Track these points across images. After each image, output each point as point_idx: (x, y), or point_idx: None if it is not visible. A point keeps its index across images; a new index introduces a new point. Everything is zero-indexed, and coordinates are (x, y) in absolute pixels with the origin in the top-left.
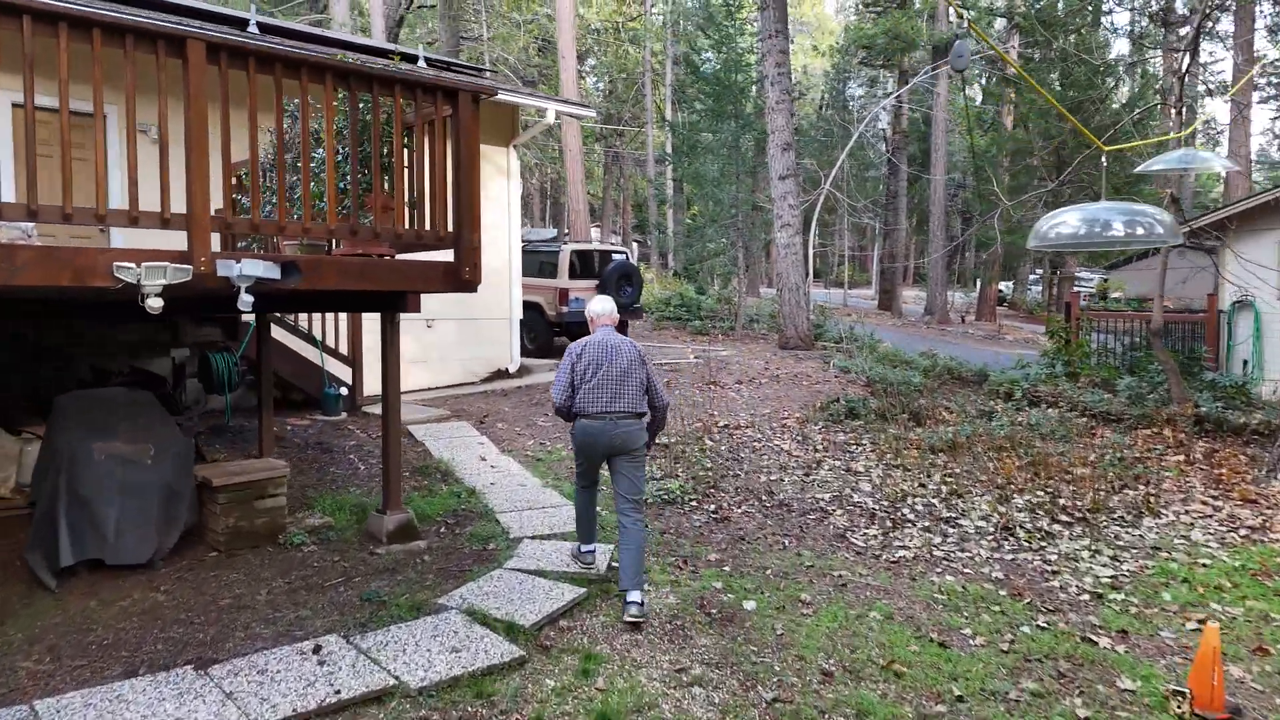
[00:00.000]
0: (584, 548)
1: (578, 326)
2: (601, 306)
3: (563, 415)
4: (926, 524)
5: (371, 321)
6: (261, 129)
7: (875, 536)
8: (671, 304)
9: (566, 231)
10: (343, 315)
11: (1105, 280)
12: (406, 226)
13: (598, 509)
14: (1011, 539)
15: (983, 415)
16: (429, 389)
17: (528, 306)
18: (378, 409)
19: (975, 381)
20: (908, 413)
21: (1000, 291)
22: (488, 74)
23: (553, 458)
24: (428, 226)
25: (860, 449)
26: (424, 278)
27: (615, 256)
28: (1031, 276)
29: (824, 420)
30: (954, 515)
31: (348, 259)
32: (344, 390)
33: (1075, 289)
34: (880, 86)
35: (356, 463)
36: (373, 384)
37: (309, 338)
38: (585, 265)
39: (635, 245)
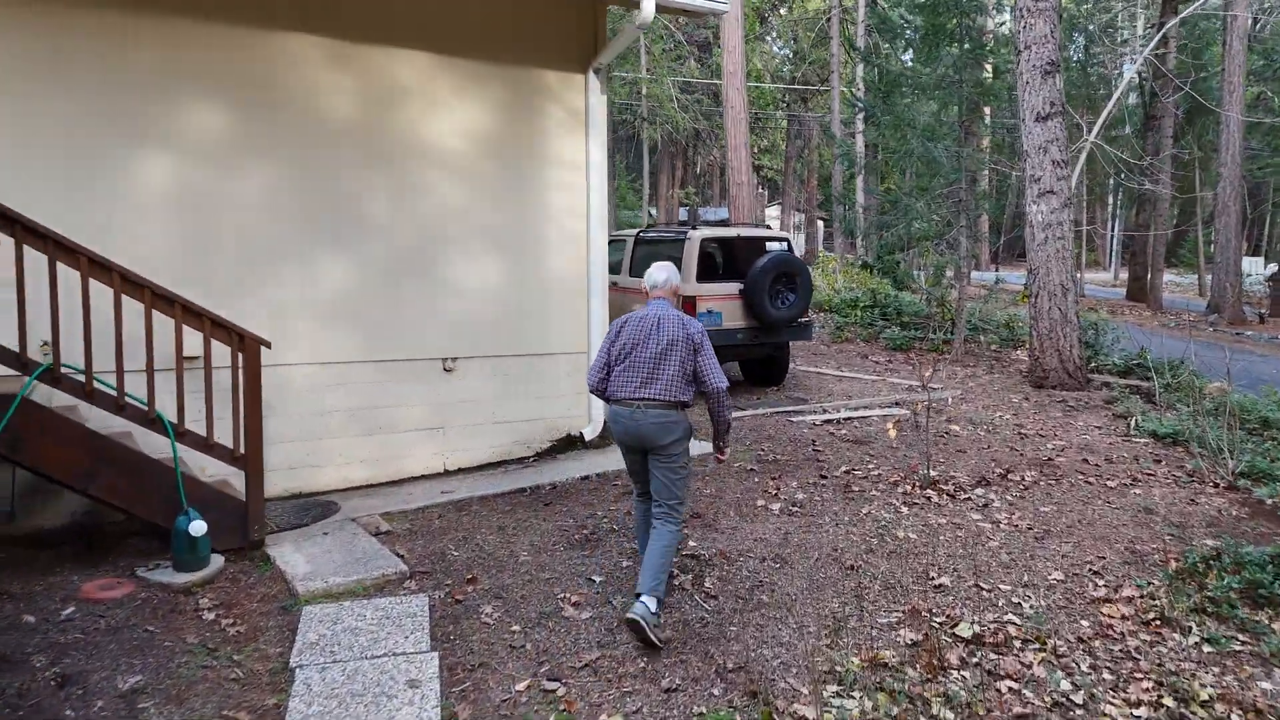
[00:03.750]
0: None
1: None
2: (660, 275)
3: (599, 398)
4: None
5: (281, 376)
6: None
7: None
8: (859, 305)
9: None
10: (221, 359)
11: None
12: None
13: None
14: None
15: None
16: (439, 475)
17: None
18: (287, 549)
19: None
20: None
21: None
22: None
23: None
24: None
25: None
26: None
27: (771, 246)
28: None
29: (1192, 613)
30: None
31: None
32: (195, 530)
33: None
34: (1123, 29)
35: None
36: (286, 484)
37: (143, 413)
38: (727, 260)
39: (820, 225)
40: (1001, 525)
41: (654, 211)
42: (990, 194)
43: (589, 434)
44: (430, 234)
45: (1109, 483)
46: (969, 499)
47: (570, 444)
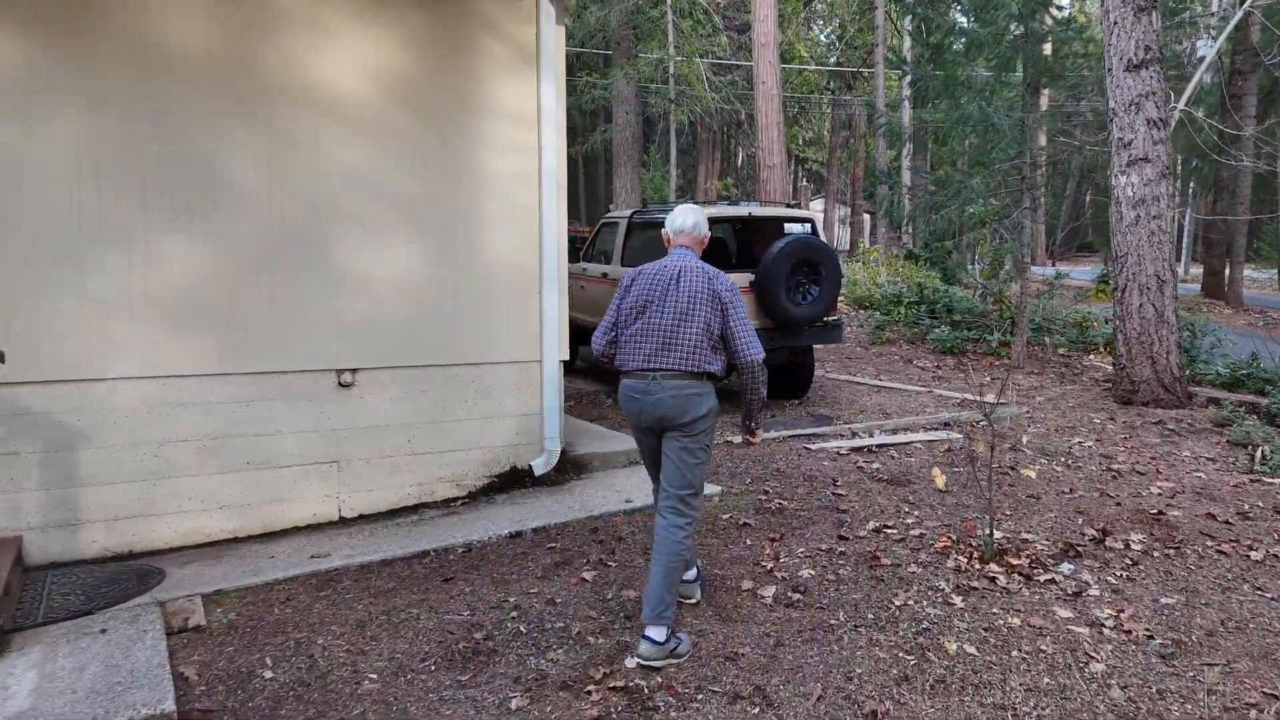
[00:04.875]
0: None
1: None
2: (688, 219)
3: (608, 366)
4: None
5: (100, 397)
6: None
7: None
8: (903, 301)
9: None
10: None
11: None
12: None
13: None
14: None
15: None
16: (332, 524)
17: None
18: (30, 659)
19: None
20: None
21: None
22: None
23: None
24: None
25: None
26: None
27: (790, 228)
28: None
29: None
30: None
31: None
32: None
33: None
34: (1194, 4)
35: None
36: (108, 542)
37: None
38: (739, 244)
39: (867, 218)
40: (1106, 631)
41: None
42: (1048, 177)
43: (539, 467)
44: (320, 207)
45: (1252, 553)
46: (1052, 580)
47: (516, 479)
